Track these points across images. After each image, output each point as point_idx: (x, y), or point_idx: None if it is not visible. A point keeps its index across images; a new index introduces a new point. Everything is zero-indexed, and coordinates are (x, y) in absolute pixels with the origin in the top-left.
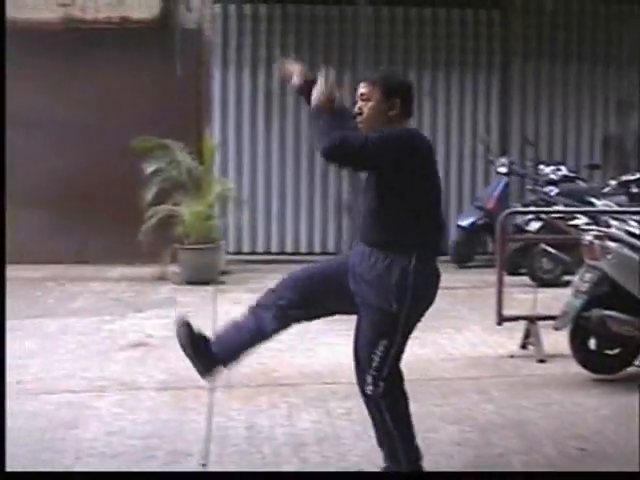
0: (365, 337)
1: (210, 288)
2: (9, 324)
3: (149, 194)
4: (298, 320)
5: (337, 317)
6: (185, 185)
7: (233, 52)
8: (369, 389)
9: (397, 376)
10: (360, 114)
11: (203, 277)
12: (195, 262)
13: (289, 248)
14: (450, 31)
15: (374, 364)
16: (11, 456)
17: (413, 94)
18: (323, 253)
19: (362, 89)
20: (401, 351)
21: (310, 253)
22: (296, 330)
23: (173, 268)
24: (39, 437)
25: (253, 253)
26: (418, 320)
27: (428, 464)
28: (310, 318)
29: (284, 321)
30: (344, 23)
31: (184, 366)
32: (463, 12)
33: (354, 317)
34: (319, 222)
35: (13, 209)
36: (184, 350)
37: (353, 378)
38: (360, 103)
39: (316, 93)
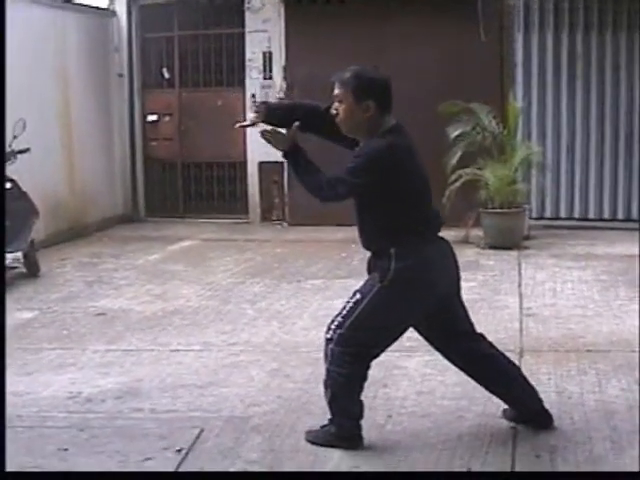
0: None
1: (514, 253)
2: (319, 283)
3: (453, 158)
4: None
5: None
6: (489, 149)
7: (535, 15)
8: (329, 333)
9: (359, 344)
10: (337, 115)
11: (507, 241)
12: (499, 226)
13: (592, 214)
14: None
15: (344, 311)
16: (328, 413)
17: (389, 90)
18: (626, 220)
19: (336, 90)
20: (383, 329)
21: (613, 219)
22: (601, 297)
23: (477, 232)
24: None
25: (556, 218)
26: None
27: None
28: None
29: None
30: None
31: (491, 329)
32: None
33: None
34: (622, 189)
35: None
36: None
37: None
38: (335, 104)
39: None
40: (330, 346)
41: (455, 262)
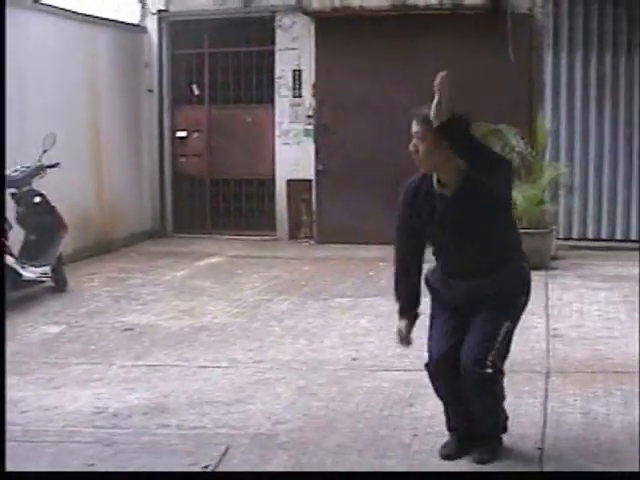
0: (488, 325)
1: (541, 273)
2: (346, 301)
3: None
4: None
5: None
6: (517, 169)
7: (565, 36)
8: (488, 369)
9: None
10: (416, 152)
11: (534, 262)
12: (526, 246)
13: (619, 235)
14: None
15: (497, 345)
16: (354, 431)
17: (464, 128)
18: None
19: (415, 127)
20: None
21: None
22: (628, 318)
23: None
24: (377, 414)
25: (583, 239)
26: None
27: None
28: None
29: None
30: None
31: (518, 350)
32: None
33: None
34: None
35: (342, 189)
36: None
37: None
38: (415, 141)
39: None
40: (489, 380)
41: None
